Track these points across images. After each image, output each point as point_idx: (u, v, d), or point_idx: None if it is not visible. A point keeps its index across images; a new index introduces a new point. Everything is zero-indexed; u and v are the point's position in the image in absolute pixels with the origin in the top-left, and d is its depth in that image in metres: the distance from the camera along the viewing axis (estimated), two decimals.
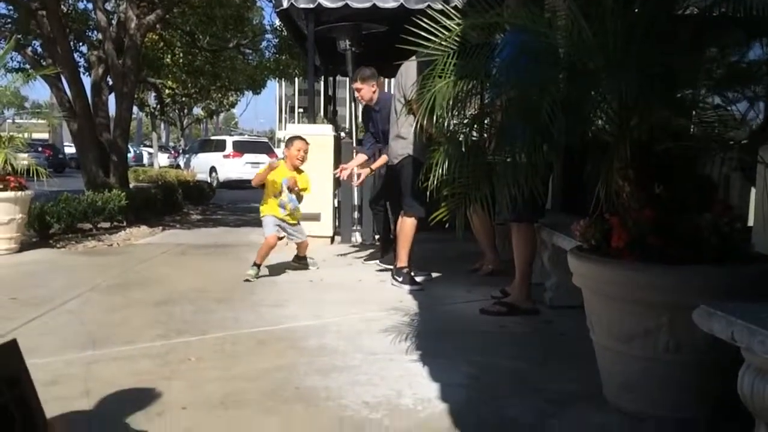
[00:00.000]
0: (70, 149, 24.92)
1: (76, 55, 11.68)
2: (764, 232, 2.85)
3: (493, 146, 2.87)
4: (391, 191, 5.25)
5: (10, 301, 4.21)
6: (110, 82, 10.58)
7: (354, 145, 7.02)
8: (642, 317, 2.29)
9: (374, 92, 5.45)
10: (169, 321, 3.75)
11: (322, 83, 13.19)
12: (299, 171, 5.27)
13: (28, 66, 11.34)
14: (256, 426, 2.34)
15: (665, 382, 2.30)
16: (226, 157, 20.93)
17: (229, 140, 22.75)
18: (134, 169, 18.98)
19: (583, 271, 2.52)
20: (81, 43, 13.14)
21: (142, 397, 2.53)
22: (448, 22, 2.89)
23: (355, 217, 7.27)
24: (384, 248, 5.66)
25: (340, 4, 6.82)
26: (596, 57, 2.41)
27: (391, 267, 5.16)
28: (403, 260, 4.79)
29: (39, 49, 12.16)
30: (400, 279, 4.75)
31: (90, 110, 9.58)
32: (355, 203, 7.20)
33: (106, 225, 7.94)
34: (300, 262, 5.45)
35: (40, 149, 24.33)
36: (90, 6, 12.32)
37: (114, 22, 10.37)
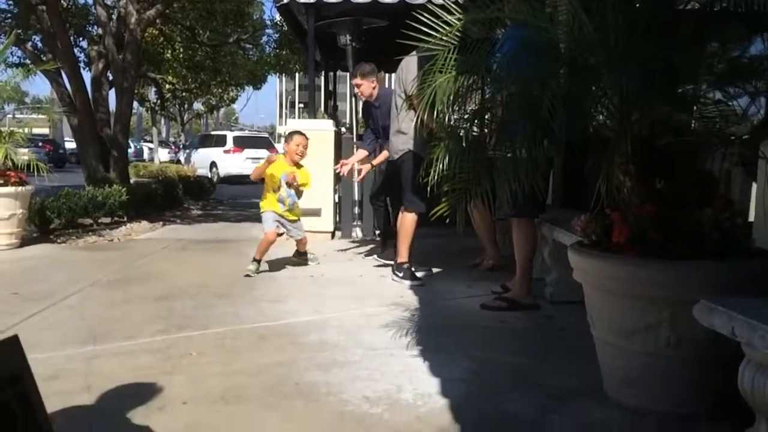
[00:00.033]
0: (70, 144, 24.92)
1: (76, 50, 11.66)
2: (765, 227, 2.85)
3: (493, 141, 2.87)
4: (392, 186, 5.25)
5: (11, 296, 4.22)
6: (110, 77, 10.57)
7: (354, 140, 7.02)
8: (643, 312, 2.29)
9: (374, 88, 5.44)
10: (169, 316, 3.76)
11: (322, 78, 13.17)
12: (299, 166, 5.26)
13: (28, 61, 11.32)
14: (256, 421, 2.34)
15: (666, 377, 2.30)
16: (226, 152, 20.91)
17: (230, 135, 22.71)
18: (135, 164, 18.98)
19: (584, 266, 2.52)
20: (81, 38, 13.12)
21: (142, 392, 2.54)
22: (449, 17, 2.89)
23: (356, 212, 7.26)
24: (384, 243, 5.66)
25: None
26: (597, 52, 2.41)
27: (390, 262, 5.17)
28: (403, 255, 4.79)
29: (39, 44, 12.13)
30: (401, 274, 4.75)
31: (90, 105, 9.58)
32: (356, 198, 7.20)
33: (107, 220, 7.95)
34: (300, 257, 5.45)
35: (40, 144, 24.35)
36: (90, 1, 12.32)
37: (114, 17, 10.35)
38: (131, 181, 10.68)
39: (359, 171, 5.91)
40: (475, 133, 2.96)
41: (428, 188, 2.99)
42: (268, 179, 5.19)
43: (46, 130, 30.29)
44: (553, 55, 2.57)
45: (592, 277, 2.51)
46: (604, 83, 2.49)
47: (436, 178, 2.91)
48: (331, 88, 13.14)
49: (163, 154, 30.44)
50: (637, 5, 2.40)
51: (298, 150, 5.20)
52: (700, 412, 2.29)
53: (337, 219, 7.35)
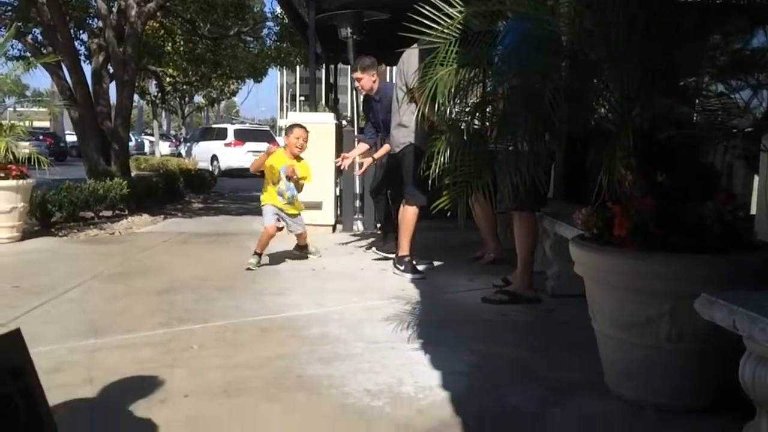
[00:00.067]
0: (71, 137, 24.89)
1: (76, 43, 11.65)
2: (767, 220, 2.85)
3: (495, 134, 2.86)
4: (393, 180, 5.24)
5: (12, 289, 4.22)
6: (111, 70, 10.55)
7: (356, 133, 7.01)
8: (643, 306, 2.29)
9: (374, 82, 5.43)
10: (171, 309, 3.76)
11: (323, 71, 13.14)
12: (299, 159, 5.23)
13: (28, 54, 11.30)
14: (258, 414, 2.35)
15: (666, 370, 2.30)
16: (227, 145, 20.89)
17: (231, 128, 22.69)
18: (135, 157, 18.96)
19: (585, 259, 2.52)
20: (81, 31, 13.11)
21: (144, 385, 2.54)
22: (450, 9, 2.88)
23: (357, 205, 7.26)
24: (384, 237, 5.66)
25: None
26: (598, 48, 2.40)
27: (390, 255, 5.18)
28: (404, 249, 4.79)
29: (39, 37, 12.12)
30: (402, 267, 4.75)
31: (91, 98, 9.57)
32: (357, 192, 7.19)
33: (108, 213, 7.95)
34: (301, 251, 5.45)
35: (41, 137, 24.33)
36: None
37: (114, 9, 10.33)
38: (132, 174, 10.68)
39: (360, 164, 5.90)
40: (476, 126, 2.95)
41: (429, 181, 2.99)
42: (268, 171, 5.17)
43: (47, 124, 30.28)
44: (555, 48, 2.56)
45: (593, 271, 2.51)
46: (605, 78, 2.48)
47: (437, 171, 2.90)
48: (332, 80, 13.12)
49: (164, 148, 30.42)
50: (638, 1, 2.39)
51: (298, 143, 5.18)
52: (700, 405, 2.30)
53: (338, 212, 7.35)
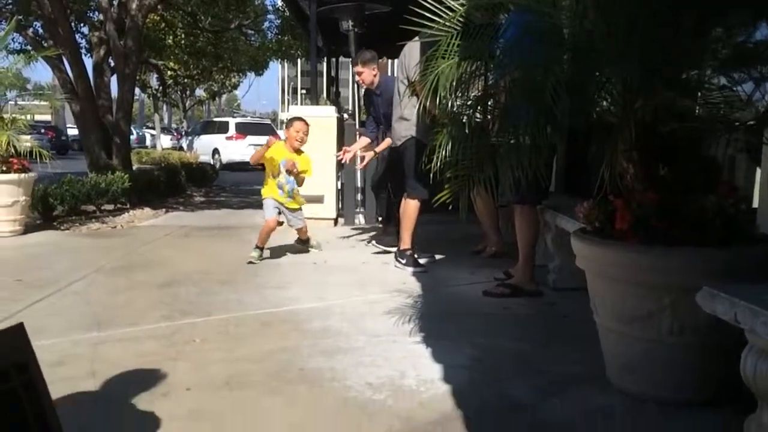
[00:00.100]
0: (72, 131, 24.90)
1: (77, 36, 11.63)
2: None
3: (496, 128, 2.86)
4: (394, 173, 5.24)
5: (15, 282, 4.23)
6: (112, 64, 10.54)
7: (357, 126, 7.00)
8: (645, 299, 2.29)
9: (375, 76, 5.42)
10: (173, 302, 3.77)
11: (324, 64, 13.12)
12: (299, 152, 5.21)
13: (29, 47, 11.30)
14: (260, 407, 2.36)
15: (668, 363, 2.30)
16: (228, 138, 20.90)
17: (232, 122, 22.69)
18: (137, 151, 18.96)
19: (587, 253, 2.52)
20: (82, 24, 13.09)
21: (147, 378, 2.55)
22: (452, 2, 2.87)
23: (359, 199, 7.27)
24: (385, 230, 5.67)
25: None
26: (599, 46, 2.39)
27: (390, 249, 5.18)
28: (406, 242, 4.80)
29: (40, 30, 12.09)
30: (404, 261, 4.75)
31: (92, 92, 9.56)
32: (359, 185, 7.20)
33: (110, 207, 7.96)
34: (303, 244, 5.45)
35: (42, 131, 24.33)
36: None
37: (115, 2, 10.29)
38: (134, 167, 10.68)
39: (362, 158, 5.90)
40: (478, 120, 2.95)
41: (431, 175, 2.98)
42: (268, 164, 5.15)
43: (48, 117, 30.29)
44: (557, 41, 2.55)
45: (595, 264, 2.51)
46: (607, 73, 2.47)
47: (438, 164, 2.90)
48: (333, 74, 13.10)
49: (166, 141, 30.43)
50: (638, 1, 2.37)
51: (298, 136, 5.16)
52: (702, 398, 2.30)
53: (340, 206, 7.35)
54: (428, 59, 2.96)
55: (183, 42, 17.69)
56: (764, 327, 1.58)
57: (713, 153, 2.72)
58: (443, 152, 2.89)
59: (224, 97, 42.87)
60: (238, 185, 13.69)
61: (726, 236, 2.25)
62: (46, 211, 6.98)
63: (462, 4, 2.86)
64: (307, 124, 5.24)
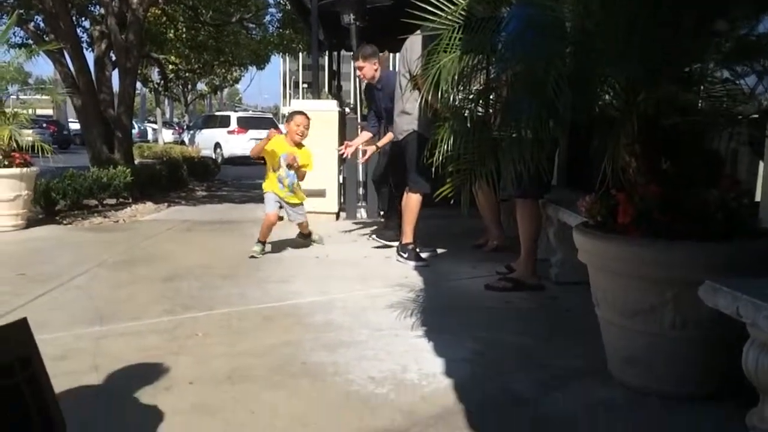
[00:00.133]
0: (74, 125, 24.90)
1: (78, 31, 11.61)
2: None
3: (498, 122, 2.85)
4: (396, 167, 5.23)
5: (18, 277, 4.24)
6: (113, 58, 10.53)
7: (359, 120, 6.99)
8: (647, 293, 2.29)
9: (376, 70, 5.40)
10: (175, 297, 3.78)
11: (326, 58, 13.11)
12: (300, 146, 5.18)
13: (30, 41, 11.28)
14: (263, 400, 2.36)
15: (670, 357, 2.31)
16: (230, 133, 20.87)
17: (234, 116, 22.65)
18: (139, 145, 18.97)
19: (589, 247, 2.52)
20: (83, 18, 13.07)
21: (149, 372, 2.56)
22: None
23: (360, 193, 7.26)
24: (386, 225, 5.66)
25: None
26: (600, 46, 2.38)
27: (390, 243, 5.19)
28: (408, 236, 4.80)
29: (41, 24, 12.08)
30: (406, 255, 4.75)
31: (94, 86, 9.56)
32: (360, 179, 7.19)
33: (112, 201, 7.97)
34: (305, 238, 5.45)
35: (44, 125, 24.28)
36: None
37: None
38: (135, 162, 10.69)
39: (364, 152, 5.89)
40: (479, 114, 2.94)
41: (433, 169, 2.98)
42: (269, 157, 5.13)
43: (50, 111, 30.23)
44: (559, 34, 2.55)
45: (597, 258, 2.50)
46: (610, 63, 2.46)
47: (440, 158, 2.90)
48: (335, 67, 13.08)
49: (167, 135, 30.44)
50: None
51: (299, 130, 5.13)
52: (704, 392, 2.30)
53: (342, 200, 7.35)
54: (430, 53, 2.96)
55: (184, 36, 17.66)
56: (766, 321, 1.58)
57: (716, 146, 2.72)
58: (445, 146, 2.88)
59: (226, 91, 42.85)
60: (239, 179, 13.69)
61: (728, 230, 2.25)
62: (49, 205, 6.99)
63: None
64: (307, 118, 5.21)
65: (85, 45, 11.66)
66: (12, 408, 1.09)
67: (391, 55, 10.37)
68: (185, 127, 30.36)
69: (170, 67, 21.76)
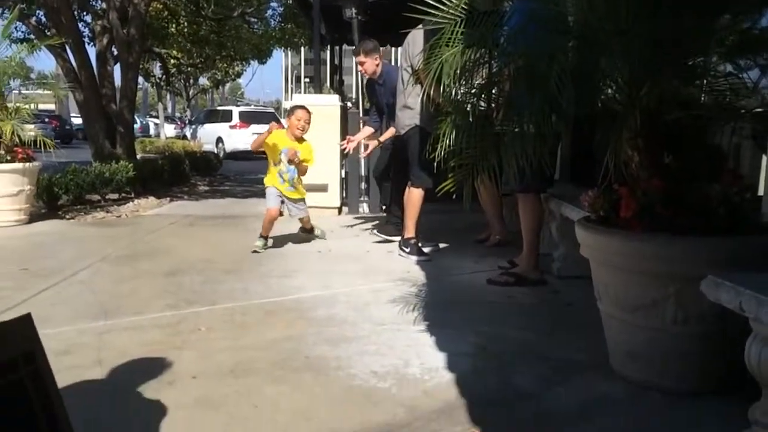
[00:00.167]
0: (77, 120, 24.88)
1: (80, 25, 11.60)
2: None
3: (500, 116, 2.85)
4: (398, 162, 5.23)
5: (20, 271, 4.25)
6: (115, 53, 10.52)
7: (361, 115, 6.99)
8: (649, 288, 2.29)
9: (377, 65, 5.39)
10: (178, 291, 3.79)
11: (328, 52, 13.08)
12: (301, 140, 5.16)
13: (32, 36, 11.27)
14: (266, 394, 2.37)
15: (672, 352, 2.31)
16: (232, 127, 20.87)
17: (236, 111, 22.64)
18: (141, 140, 18.97)
19: (591, 242, 2.51)
20: (85, 13, 13.03)
21: (153, 367, 2.57)
22: None
23: (363, 187, 7.26)
24: (388, 220, 5.66)
25: None
26: (606, 24, 2.37)
27: (390, 238, 5.19)
28: (410, 231, 4.80)
29: (43, 19, 12.07)
30: (408, 250, 4.76)
31: (96, 81, 9.55)
32: (363, 174, 7.19)
33: (114, 196, 7.98)
34: (307, 233, 5.45)
35: (46, 120, 24.33)
36: None
37: None
38: (138, 156, 10.70)
39: (366, 146, 5.89)
40: (482, 108, 2.94)
41: (435, 164, 2.98)
42: (270, 151, 5.12)
43: (52, 106, 30.26)
44: (562, 28, 2.54)
45: (599, 253, 2.50)
46: (613, 58, 2.46)
47: (442, 153, 2.89)
48: (336, 62, 13.06)
49: (169, 130, 30.40)
50: None
51: (300, 124, 5.11)
52: (706, 387, 2.30)
53: (344, 194, 7.35)
54: (432, 47, 2.95)
55: (186, 30, 17.62)
56: None
57: (718, 141, 2.71)
58: (447, 141, 2.88)
59: (228, 85, 42.81)
60: (242, 174, 13.70)
61: (731, 225, 2.25)
62: (51, 200, 7.01)
63: None
64: (308, 112, 5.20)
65: (86, 40, 11.63)
66: (16, 403, 1.10)
67: (393, 49, 10.33)
68: (187, 121, 30.33)
69: (172, 61, 21.72)
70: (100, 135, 9.44)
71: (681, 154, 2.46)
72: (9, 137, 6.19)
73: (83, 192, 7.40)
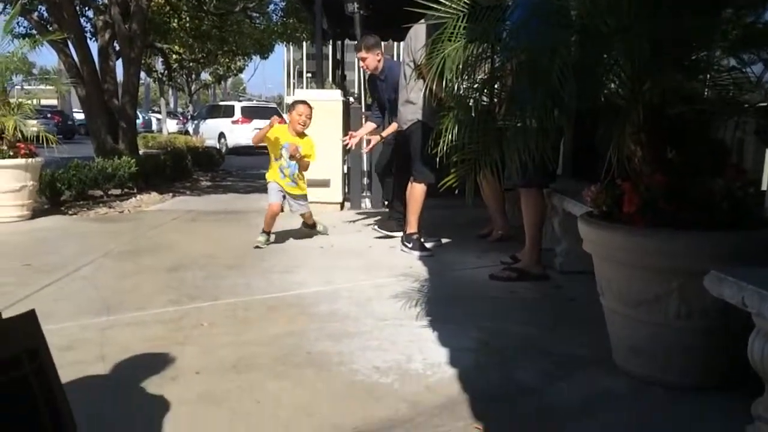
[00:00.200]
0: (79, 115, 24.91)
1: (82, 20, 11.58)
2: None
3: (503, 111, 2.84)
4: (400, 157, 5.22)
5: (23, 267, 4.26)
6: (117, 48, 10.52)
7: (363, 110, 6.98)
8: (652, 283, 2.29)
9: (379, 61, 5.38)
10: (180, 287, 3.79)
11: (330, 47, 13.06)
12: (302, 136, 5.15)
13: (34, 31, 11.27)
14: (268, 390, 2.37)
15: (674, 347, 2.30)
16: (234, 122, 20.85)
17: (238, 106, 22.63)
18: (143, 135, 18.93)
19: (593, 237, 2.51)
20: (87, 8, 13.02)
21: (156, 362, 2.57)
22: None
23: (365, 183, 7.26)
24: (390, 215, 5.66)
25: None
26: (609, 19, 2.37)
27: (392, 233, 5.19)
28: (413, 226, 4.80)
29: (45, 14, 12.06)
30: (410, 245, 4.75)
31: (98, 76, 9.55)
32: (365, 169, 7.18)
33: (117, 192, 8.00)
34: (309, 228, 5.44)
35: (49, 116, 24.33)
36: None
37: None
38: (140, 152, 10.70)
39: (368, 141, 5.88)
40: (484, 103, 2.92)
41: (437, 159, 2.97)
42: (271, 146, 5.11)
43: (54, 102, 30.24)
44: (564, 22, 2.53)
45: (602, 248, 2.50)
46: (615, 52, 2.45)
47: (445, 148, 2.89)
48: (339, 57, 13.04)
49: (172, 125, 30.39)
50: None
51: (301, 120, 5.09)
52: (708, 382, 2.30)
53: (347, 190, 7.34)
54: (434, 42, 2.94)
55: (188, 25, 17.61)
56: None
57: (722, 135, 2.70)
58: (449, 136, 2.87)
59: (230, 80, 42.76)
60: (244, 169, 13.70)
61: (734, 219, 2.24)
62: (54, 195, 7.01)
63: None
64: (309, 107, 5.18)
65: (88, 35, 11.62)
66: (20, 400, 1.10)
67: (396, 44, 10.31)
68: (189, 117, 30.32)
69: (174, 56, 21.71)
70: (103, 130, 9.44)
71: (684, 148, 2.46)
72: (12, 133, 6.19)
73: (86, 188, 7.41)
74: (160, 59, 22.18)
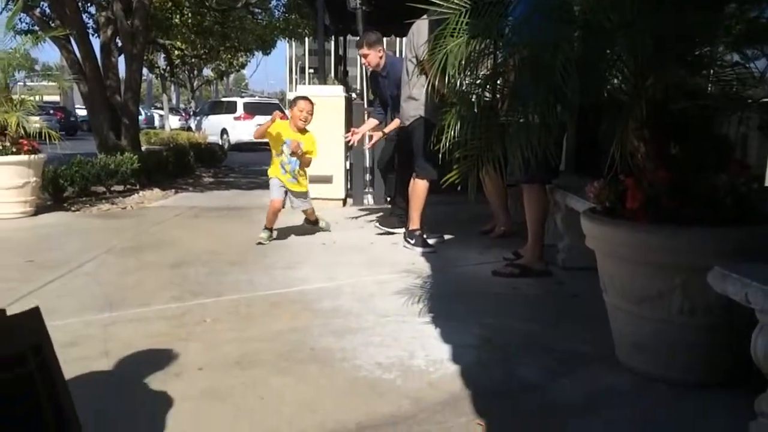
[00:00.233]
0: (81, 112, 24.92)
1: (84, 17, 11.58)
2: None
3: (505, 107, 2.83)
4: (403, 153, 5.22)
5: (26, 263, 4.27)
6: (119, 44, 10.51)
7: (365, 106, 6.97)
8: (655, 279, 2.29)
9: (381, 57, 5.36)
10: (183, 283, 3.79)
11: (332, 43, 13.04)
12: (304, 132, 5.13)
13: (36, 27, 11.26)
14: (271, 386, 2.38)
15: (678, 344, 2.30)
16: (237, 119, 20.83)
17: (240, 102, 22.60)
18: (145, 131, 18.97)
19: (596, 233, 2.51)
20: (89, 4, 13.02)
21: (159, 358, 2.58)
22: None
23: (367, 179, 7.26)
24: (392, 212, 5.66)
25: None
26: (612, 14, 2.36)
27: (392, 230, 5.19)
28: (415, 223, 4.79)
29: (47, 11, 12.06)
30: (413, 241, 4.75)
31: (100, 72, 9.55)
32: (367, 165, 7.18)
33: (120, 188, 8.00)
34: (312, 225, 5.44)
35: (51, 112, 24.35)
36: None
37: None
38: (142, 148, 10.70)
39: (370, 137, 5.87)
40: (487, 99, 2.92)
41: (440, 155, 2.97)
42: (272, 141, 5.10)
43: (56, 98, 30.27)
44: (567, 18, 2.52)
45: (605, 244, 2.50)
46: (618, 47, 2.44)
47: (447, 144, 2.88)
48: (341, 53, 13.01)
49: (174, 121, 30.37)
50: None
51: (302, 116, 5.07)
52: (712, 378, 2.30)
53: (349, 186, 7.34)
54: (437, 38, 2.94)
55: (190, 21, 17.59)
56: None
57: (725, 131, 2.69)
58: (452, 132, 2.87)
59: (232, 76, 42.76)
60: (246, 166, 13.70)
61: (738, 215, 2.24)
62: (57, 192, 7.03)
63: None
64: (311, 103, 5.15)
65: (91, 31, 11.62)
66: (24, 396, 1.10)
67: (398, 39, 10.29)
68: (192, 113, 30.31)
69: (176, 52, 21.70)
70: (105, 126, 9.44)
71: (687, 144, 2.45)
72: (14, 129, 6.20)
73: (88, 184, 7.42)
74: (163, 55, 22.16)
